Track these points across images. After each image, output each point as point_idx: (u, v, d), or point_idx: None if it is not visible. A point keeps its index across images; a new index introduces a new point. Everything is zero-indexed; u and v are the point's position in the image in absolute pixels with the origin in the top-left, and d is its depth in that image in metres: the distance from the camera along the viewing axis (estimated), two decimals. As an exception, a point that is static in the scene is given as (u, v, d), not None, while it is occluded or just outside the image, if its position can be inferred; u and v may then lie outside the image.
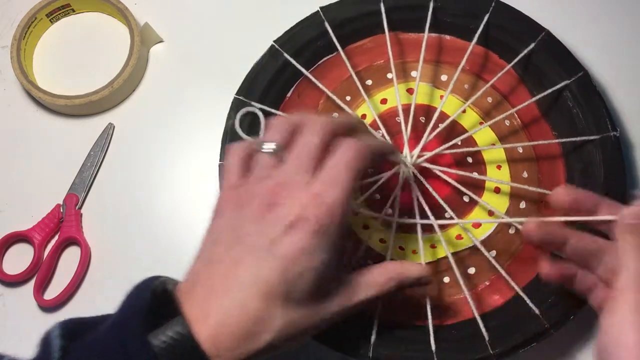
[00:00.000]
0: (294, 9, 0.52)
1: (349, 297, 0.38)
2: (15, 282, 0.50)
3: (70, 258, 0.51)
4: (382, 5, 0.50)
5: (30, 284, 0.50)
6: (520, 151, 0.49)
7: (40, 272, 0.50)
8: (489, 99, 0.51)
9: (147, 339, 0.33)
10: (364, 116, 0.51)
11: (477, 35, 0.49)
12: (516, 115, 0.50)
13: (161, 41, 0.57)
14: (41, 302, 0.49)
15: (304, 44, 0.51)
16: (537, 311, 0.43)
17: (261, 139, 0.40)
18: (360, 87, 0.50)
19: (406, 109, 0.49)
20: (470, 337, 0.44)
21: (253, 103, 0.49)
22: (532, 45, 0.49)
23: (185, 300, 0.35)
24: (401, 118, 0.48)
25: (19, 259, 0.51)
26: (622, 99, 0.53)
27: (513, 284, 0.44)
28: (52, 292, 0.50)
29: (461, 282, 0.44)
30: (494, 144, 0.50)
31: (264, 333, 0.35)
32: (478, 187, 0.48)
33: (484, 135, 0.50)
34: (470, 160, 0.49)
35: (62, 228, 0.51)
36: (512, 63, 0.49)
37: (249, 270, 0.35)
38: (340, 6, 0.51)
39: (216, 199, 0.39)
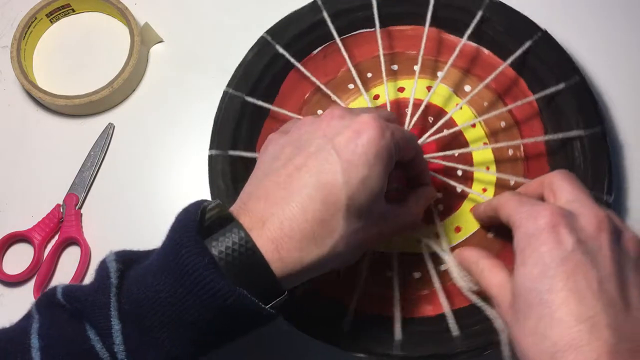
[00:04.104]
0: (296, 7, 0.52)
1: (404, 213, 0.40)
2: (15, 282, 0.50)
3: (70, 258, 0.51)
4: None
5: (30, 284, 0.50)
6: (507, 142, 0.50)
7: (40, 272, 0.50)
8: (485, 103, 0.51)
9: (203, 245, 0.33)
10: None
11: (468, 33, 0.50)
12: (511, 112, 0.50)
13: (161, 41, 0.57)
14: (41, 302, 0.49)
15: (296, 35, 0.51)
16: None
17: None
18: (358, 80, 0.50)
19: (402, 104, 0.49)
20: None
21: (247, 98, 0.49)
22: (528, 44, 0.49)
23: (239, 215, 0.35)
24: (410, 109, 0.49)
25: (19, 259, 0.51)
26: (612, 95, 0.53)
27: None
28: (52, 292, 0.50)
29: (435, 277, 0.45)
30: (486, 143, 0.50)
31: (327, 237, 0.34)
32: (467, 178, 0.49)
33: (463, 115, 0.50)
34: (457, 155, 0.49)
35: (62, 228, 0.51)
36: (509, 61, 0.49)
37: (311, 174, 0.34)
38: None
39: (267, 140, 0.40)
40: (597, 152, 0.46)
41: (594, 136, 0.46)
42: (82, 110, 0.54)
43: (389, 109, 0.49)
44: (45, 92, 0.53)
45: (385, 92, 0.49)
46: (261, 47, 0.51)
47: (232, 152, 0.48)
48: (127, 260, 0.35)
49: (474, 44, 0.51)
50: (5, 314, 0.50)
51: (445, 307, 0.44)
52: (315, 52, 0.52)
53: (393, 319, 0.44)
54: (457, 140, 0.50)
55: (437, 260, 0.46)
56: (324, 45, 0.52)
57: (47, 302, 0.35)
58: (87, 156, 0.53)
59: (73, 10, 0.58)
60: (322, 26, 0.51)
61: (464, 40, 0.50)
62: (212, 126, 0.49)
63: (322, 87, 0.50)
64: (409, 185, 0.44)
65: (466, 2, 0.50)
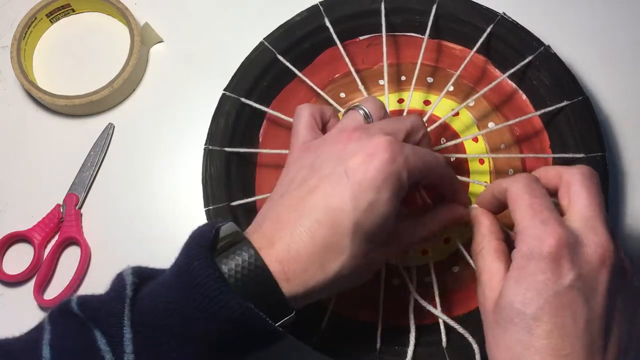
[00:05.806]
0: (296, 9, 0.52)
1: (409, 235, 0.39)
2: (15, 282, 0.50)
3: (70, 258, 0.51)
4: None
5: (30, 284, 0.50)
6: (503, 146, 0.50)
7: (40, 272, 0.50)
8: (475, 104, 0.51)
9: (214, 260, 0.34)
10: None
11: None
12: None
13: (161, 41, 0.57)
14: (41, 302, 0.49)
15: (295, 40, 0.51)
16: None
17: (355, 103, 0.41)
18: (360, 83, 0.50)
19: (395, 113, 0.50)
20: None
21: (243, 99, 0.49)
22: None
23: (251, 235, 0.35)
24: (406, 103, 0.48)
25: (19, 259, 0.51)
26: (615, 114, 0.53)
27: None
28: (52, 292, 0.50)
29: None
30: (480, 151, 0.50)
31: (332, 261, 0.35)
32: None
33: (459, 122, 0.50)
34: (452, 157, 0.49)
35: (62, 228, 0.51)
36: (507, 74, 0.49)
37: (321, 197, 0.35)
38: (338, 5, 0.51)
39: (289, 157, 0.40)
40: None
41: (593, 160, 0.46)
42: (82, 110, 0.54)
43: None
44: (45, 92, 0.53)
45: (386, 101, 0.49)
46: (260, 52, 0.50)
47: (228, 149, 0.48)
48: (143, 275, 0.36)
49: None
50: (5, 314, 0.50)
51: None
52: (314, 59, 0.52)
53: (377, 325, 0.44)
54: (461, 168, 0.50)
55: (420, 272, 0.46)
56: (326, 47, 0.51)
57: (60, 312, 0.36)
58: (87, 156, 0.53)
59: (73, 10, 0.58)
60: (323, 31, 0.51)
61: (472, 52, 0.49)
62: (208, 128, 0.49)
63: (321, 92, 0.50)
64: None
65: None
